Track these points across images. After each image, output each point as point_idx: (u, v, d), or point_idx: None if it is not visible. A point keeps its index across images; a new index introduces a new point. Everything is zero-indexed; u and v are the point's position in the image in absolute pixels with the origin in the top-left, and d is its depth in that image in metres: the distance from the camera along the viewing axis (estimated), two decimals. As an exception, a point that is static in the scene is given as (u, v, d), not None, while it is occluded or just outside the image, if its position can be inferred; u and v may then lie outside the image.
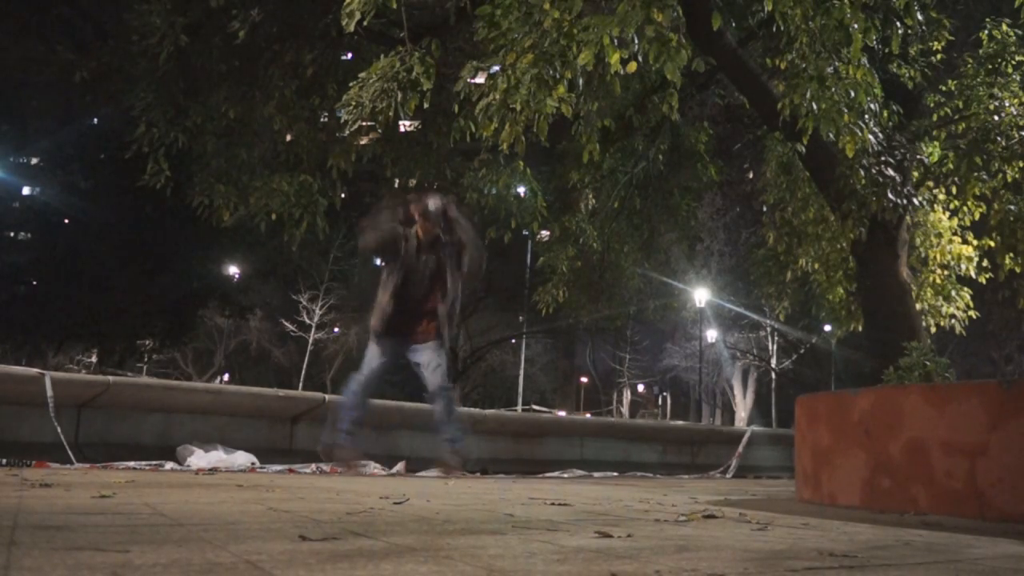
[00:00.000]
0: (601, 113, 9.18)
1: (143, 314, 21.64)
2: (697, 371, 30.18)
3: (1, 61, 21.19)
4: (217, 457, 5.13)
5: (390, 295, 4.94)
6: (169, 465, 4.94)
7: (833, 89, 5.90)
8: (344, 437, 4.84)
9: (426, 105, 6.46)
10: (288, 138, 9.51)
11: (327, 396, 6.27)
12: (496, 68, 5.82)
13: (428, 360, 4.92)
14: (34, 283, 21.75)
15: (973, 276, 8.79)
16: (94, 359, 27.26)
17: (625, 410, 38.78)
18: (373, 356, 4.95)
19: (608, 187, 11.10)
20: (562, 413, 26.69)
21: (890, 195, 6.84)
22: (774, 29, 6.71)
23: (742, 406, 32.41)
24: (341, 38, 8.28)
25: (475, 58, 6.40)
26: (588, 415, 26.66)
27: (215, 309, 27.37)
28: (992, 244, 8.48)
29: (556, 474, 6.55)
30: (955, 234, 8.77)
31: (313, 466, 5.33)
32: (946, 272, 8.82)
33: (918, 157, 7.80)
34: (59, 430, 4.73)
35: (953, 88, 8.19)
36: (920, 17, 6.93)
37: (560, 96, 5.49)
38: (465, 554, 1.57)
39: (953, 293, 8.80)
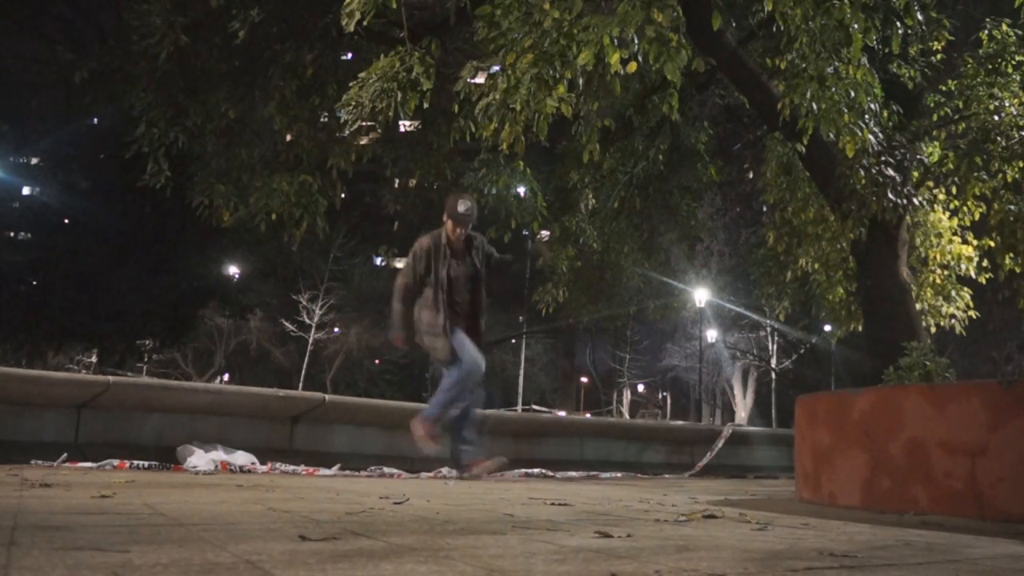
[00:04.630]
0: (601, 113, 9.17)
1: (143, 314, 21.66)
2: (697, 371, 30.19)
3: (1, 61, 21.20)
4: (217, 457, 5.13)
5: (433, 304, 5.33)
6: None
7: (833, 89, 5.89)
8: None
9: (426, 105, 6.46)
10: (288, 138, 9.50)
11: (327, 396, 6.26)
12: (496, 68, 5.81)
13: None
14: (34, 283, 21.75)
15: (973, 276, 8.78)
16: (94, 359, 27.26)
17: (625, 410, 38.78)
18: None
19: (608, 187, 11.08)
20: (562, 413, 26.71)
21: (890, 195, 6.83)
22: (774, 29, 6.71)
23: (742, 406, 32.43)
24: (341, 38, 8.28)
25: (475, 58, 6.39)
26: (588, 415, 26.67)
27: (215, 309, 27.38)
28: (992, 244, 8.47)
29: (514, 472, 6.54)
30: (955, 234, 8.76)
31: (303, 467, 5.35)
32: (946, 272, 8.81)
33: (918, 157, 7.79)
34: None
35: (953, 88, 8.18)
36: (920, 17, 6.92)
37: (560, 96, 5.49)
38: (465, 554, 1.57)
39: (953, 293, 8.79)
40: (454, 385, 5.26)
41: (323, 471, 5.28)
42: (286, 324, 29.91)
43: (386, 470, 5.65)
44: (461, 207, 5.32)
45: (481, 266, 5.47)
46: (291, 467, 5.29)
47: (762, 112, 7.88)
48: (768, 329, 30.12)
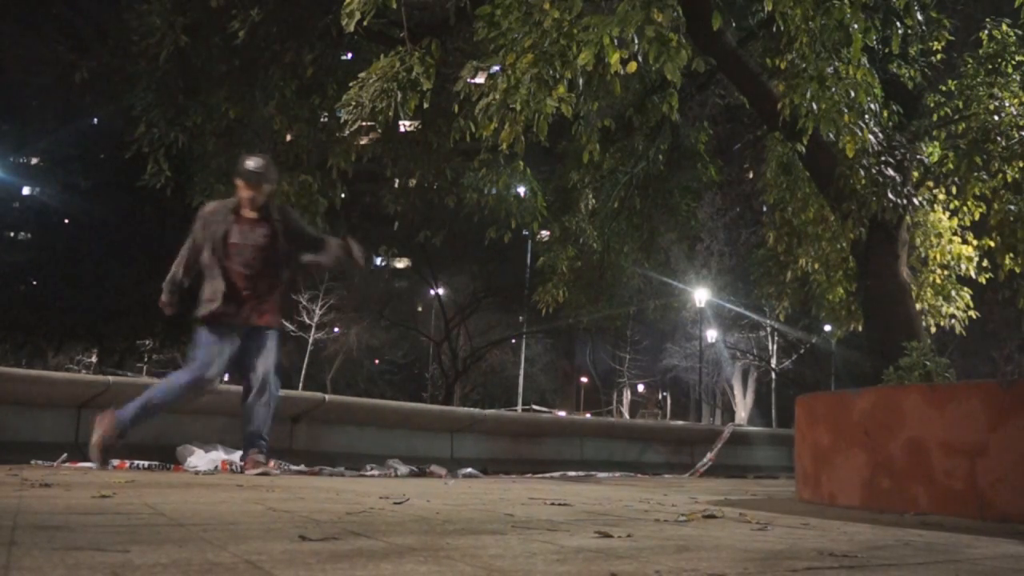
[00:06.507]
0: (601, 113, 9.17)
1: (143, 314, 21.64)
2: (697, 371, 30.19)
3: (1, 61, 21.20)
4: (217, 457, 5.13)
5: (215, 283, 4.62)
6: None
7: (833, 89, 5.90)
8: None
9: (426, 105, 6.47)
10: (288, 138, 9.50)
11: (327, 396, 6.26)
12: (496, 68, 5.82)
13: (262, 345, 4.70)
14: (34, 283, 21.76)
15: (973, 276, 8.79)
16: (94, 359, 27.26)
17: (625, 410, 38.79)
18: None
19: (608, 187, 11.08)
20: (562, 413, 26.71)
21: (890, 195, 6.83)
22: (774, 29, 6.71)
23: (742, 406, 32.43)
24: (341, 38, 8.28)
25: (475, 58, 6.40)
26: (588, 415, 26.67)
27: (215, 309, 27.34)
28: (992, 244, 8.48)
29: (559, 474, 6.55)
30: (955, 234, 8.77)
31: (302, 466, 5.35)
32: (946, 272, 8.82)
33: (918, 157, 7.79)
34: None
35: (953, 88, 8.19)
36: (920, 17, 6.93)
37: (560, 96, 5.49)
38: (465, 554, 1.57)
39: (953, 293, 8.80)
40: (171, 391, 4.53)
41: (329, 469, 5.29)
42: (286, 324, 29.93)
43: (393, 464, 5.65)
44: (251, 163, 4.75)
45: (284, 239, 4.76)
46: (296, 467, 5.29)
47: (762, 112, 7.88)
48: (768, 329, 30.13)
